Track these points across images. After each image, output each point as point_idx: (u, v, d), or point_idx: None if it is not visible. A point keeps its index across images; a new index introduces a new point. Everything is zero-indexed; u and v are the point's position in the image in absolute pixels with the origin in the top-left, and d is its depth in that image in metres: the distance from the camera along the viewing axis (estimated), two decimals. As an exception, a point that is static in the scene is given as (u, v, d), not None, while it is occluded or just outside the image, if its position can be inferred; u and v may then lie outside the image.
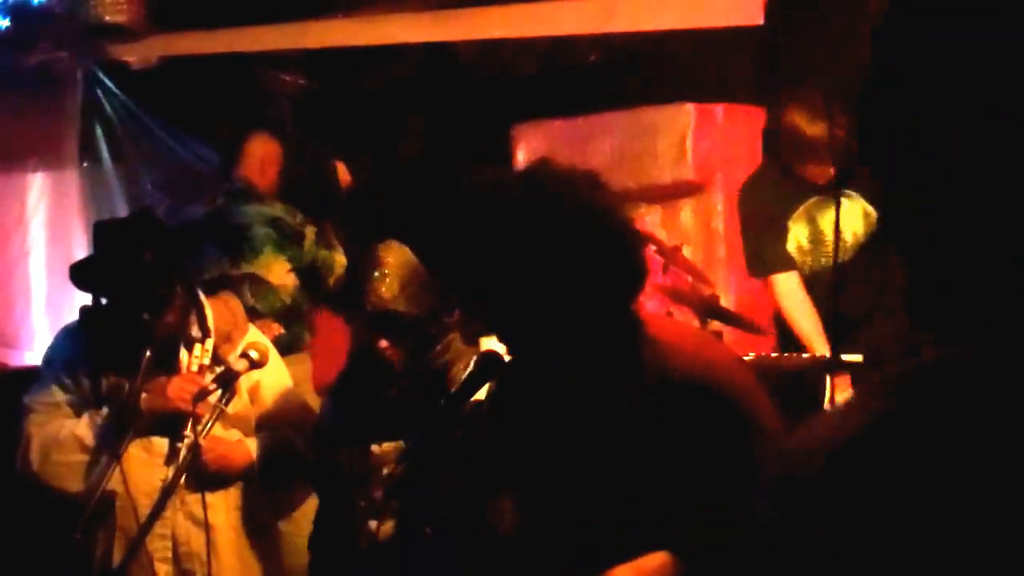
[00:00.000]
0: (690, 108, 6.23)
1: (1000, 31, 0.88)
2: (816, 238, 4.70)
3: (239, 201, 5.35)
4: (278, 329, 5.10)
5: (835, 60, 4.95)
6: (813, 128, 4.41)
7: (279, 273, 5.26)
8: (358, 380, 3.55)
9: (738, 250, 5.91)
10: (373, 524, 3.31)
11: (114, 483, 3.38)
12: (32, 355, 6.37)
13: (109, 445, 3.43)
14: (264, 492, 3.67)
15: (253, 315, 4.47)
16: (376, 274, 3.39)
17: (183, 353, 3.59)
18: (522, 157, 6.27)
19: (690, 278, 5.19)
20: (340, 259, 5.38)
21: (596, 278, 2.28)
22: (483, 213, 2.33)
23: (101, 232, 3.62)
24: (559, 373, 2.41)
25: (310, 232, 5.38)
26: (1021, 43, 0.88)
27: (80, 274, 3.60)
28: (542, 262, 2.25)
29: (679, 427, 2.23)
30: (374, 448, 3.44)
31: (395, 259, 3.42)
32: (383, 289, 3.37)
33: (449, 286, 3.21)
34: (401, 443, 3.41)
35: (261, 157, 5.48)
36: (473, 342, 3.56)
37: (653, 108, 6.32)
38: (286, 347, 4.76)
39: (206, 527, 3.46)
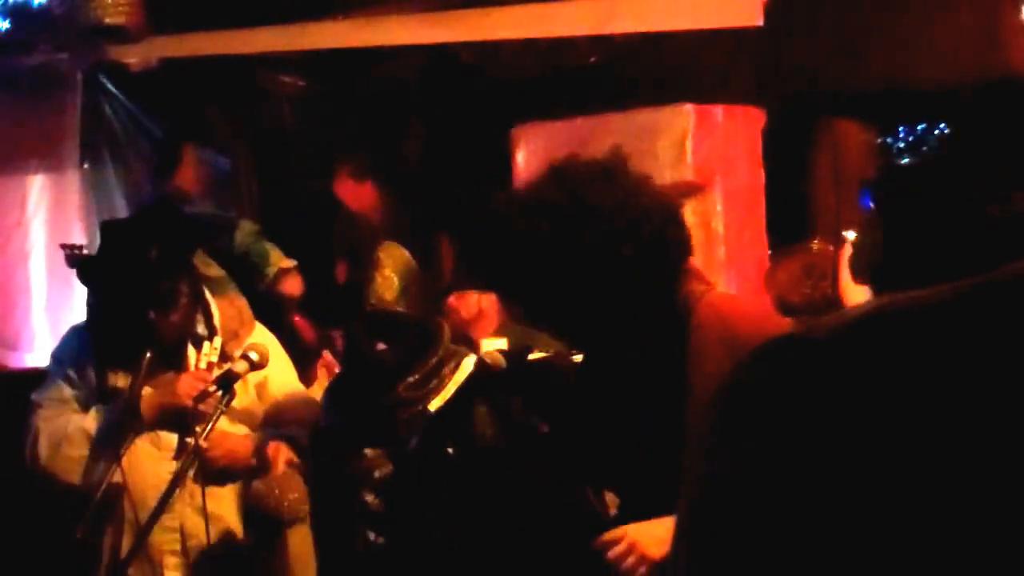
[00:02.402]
0: (690, 109, 6.23)
1: None
2: None
3: (163, 207, 5.44)
4: None
5: (835, 60, 4.97)
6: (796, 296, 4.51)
7: (212, 268, 5.32)
8: (354, 383, 3.52)
9: (738, 250, 5.93)
10: (371, 533, 3.32)
11: (120, 477, 3.39)
12: (32, 356, 6.37)
13: (114, 441, 3.45)
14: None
15: None
16: (377, 276, 3.39)
17: (190, 351, 3.61)
18: (522, 158, 6.28)
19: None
20: (276, 254, 5.39)
21: (639, 260, 2.35)
22: (518, 221, 2.40)
23: (107, 231, 3.63)
24: (630, 359, 2.45)
25: (246, 224, 5.43)
26: None
27: (87, 272, 3.62)
28: (582, 256, 2.32)
29: None
30: (367, 451, 3.43)
31: (394, 261, 3.42)
32: (384, 290, 3.37)
33: (510, 297, 3.22)
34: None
35: (194, 168, 5.57)
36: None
37: (653, 109, 6.33)
38: None
39: (212, 521, 3.47)
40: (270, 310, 5.25)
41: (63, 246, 4.96)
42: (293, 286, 5.30)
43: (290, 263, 5.42)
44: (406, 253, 3.21)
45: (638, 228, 2.36)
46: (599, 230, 2.34)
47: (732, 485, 0.83)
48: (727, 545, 0.83)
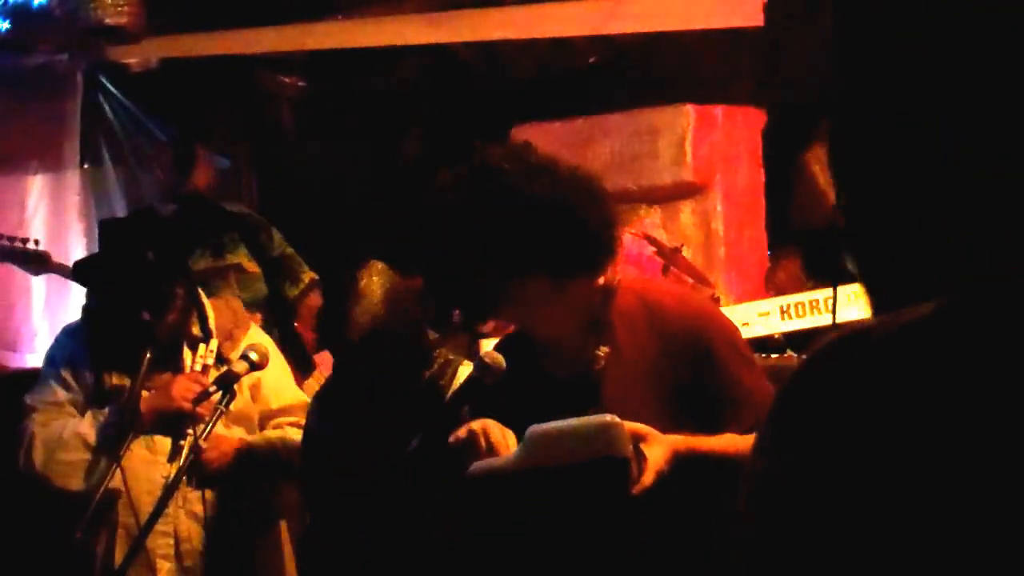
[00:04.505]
0: (690, 109, 6.23)
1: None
2: None
3: (198, 203, 5.44)
4: (259, 319, 5.15)
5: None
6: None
7: (253, 264, 5.34)
8: (344, 396, 3.48)
9: (738, 250, 5.92)
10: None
11: (116, 481, 3.38)
12: (32, 357, 6.37)
13: (111, 444, 3.44)
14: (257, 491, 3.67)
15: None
16: (356, 302, 3.33)
17: (186, 353, 3.60)
18: (522, 158, 6.28)
19: (690, 279, 5.20)
20: (307, 271, 5.43)
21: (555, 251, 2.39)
22: (444, 211, 2.47)
23: (104, 231, 3.63)
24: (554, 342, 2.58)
25: (275, 231, 5.50)
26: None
27: (83, 272, 3.61)
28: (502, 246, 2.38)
29: (690, 363, 2.52)
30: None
31: (375, 282, 3.36)
32: (363, 315, 3.30)
33: (442, 292, 3.24)
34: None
35: (206, 167, 5.59)
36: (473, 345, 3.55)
37: (653, 109, 6.33)
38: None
39: (207, 525, 3.47)
40: (278, 315, 5.28)
41: (2, 236, 5.00)
42: (317, 299, 5.33)
43: (315, 276, 5.46)
44: (385, 270, 3.15)
45: (567, 210, 2.44)
46: (528, 214, 2.41)
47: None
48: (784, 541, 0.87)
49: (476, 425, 2.50)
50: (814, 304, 4.73)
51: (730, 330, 2.66)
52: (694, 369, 2.51)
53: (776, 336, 4.72)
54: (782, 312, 4.80)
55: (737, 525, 0.94)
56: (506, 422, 2.52)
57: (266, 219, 5.57)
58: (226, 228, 5.36)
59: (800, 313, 4.76)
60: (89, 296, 3.66)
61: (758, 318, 4.80)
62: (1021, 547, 0.80)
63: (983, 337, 0.86)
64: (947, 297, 0.88)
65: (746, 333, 4.69)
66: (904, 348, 0.87)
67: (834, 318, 4.26)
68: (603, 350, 2.58)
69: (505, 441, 2.47)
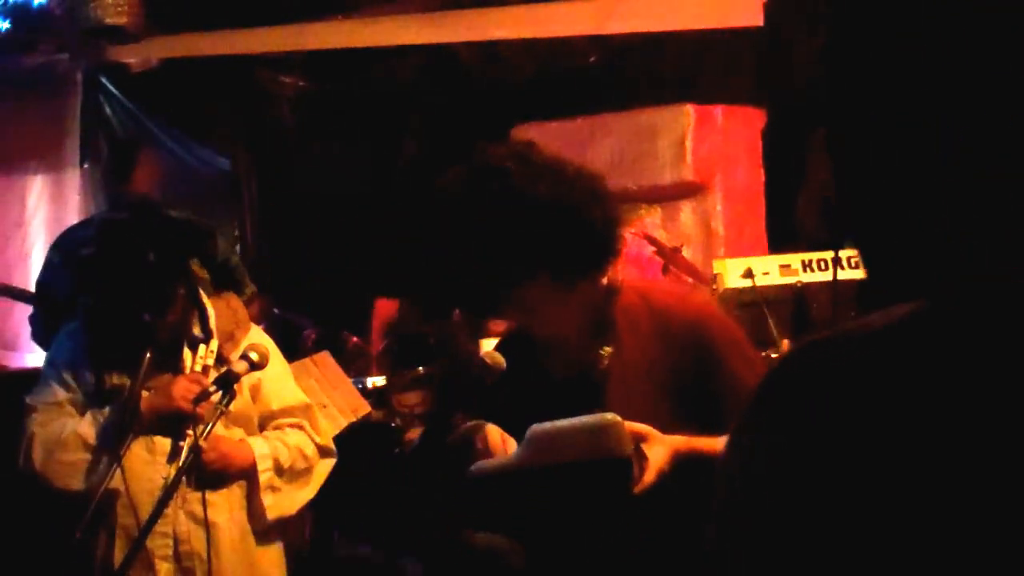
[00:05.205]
0: (690, 109, 6.24)
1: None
2: None
3: (146, 209, 5.42)
4: None
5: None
6: None
7: (204, 271, 5.32)
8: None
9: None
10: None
11: (116, 482, 3.38)
12: (32, 357, 6.37)
13: (111, 445, 3.43)
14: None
15: None
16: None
17: (186, 353, 3.60)
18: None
19: (690, 279, 5.20)
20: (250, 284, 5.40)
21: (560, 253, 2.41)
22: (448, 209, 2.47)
23: (104, 231, 3.62)
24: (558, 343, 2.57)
25: (221, 236, 5.44)
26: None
27: (83, 272, 3.61)
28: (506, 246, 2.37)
29: (692, 362, 2.51)
30: None
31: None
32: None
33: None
34: None
35: (150, 170, 5.55)
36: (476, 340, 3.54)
37: (653, 109, 6.34)
38: None
39: (207, 525, 3.46)
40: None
41: None
42: (255, 311, 5.31)
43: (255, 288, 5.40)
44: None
45: (574, 211, 2.44)
46: (533, 213, 2.42)
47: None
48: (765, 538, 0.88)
49: (476, 429, 2.50)
50: None
51: (732, 330, 2.65)
52: (696, 369, 2.51)
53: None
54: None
55: (712, 525, 0.94)
56: (508, 422, 2.52)
57: (211, 225, 5.49)
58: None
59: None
60: (88, 296, 3.66)
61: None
62: (1005, 548, 0.81)
63: (980, 336, 0.86)
64: (937, 296, 0.88)
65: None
66: (887, 347, 0.87)
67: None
68: (606, 350, 2.57)
69: (505, 447, 2.47)
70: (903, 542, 0.82)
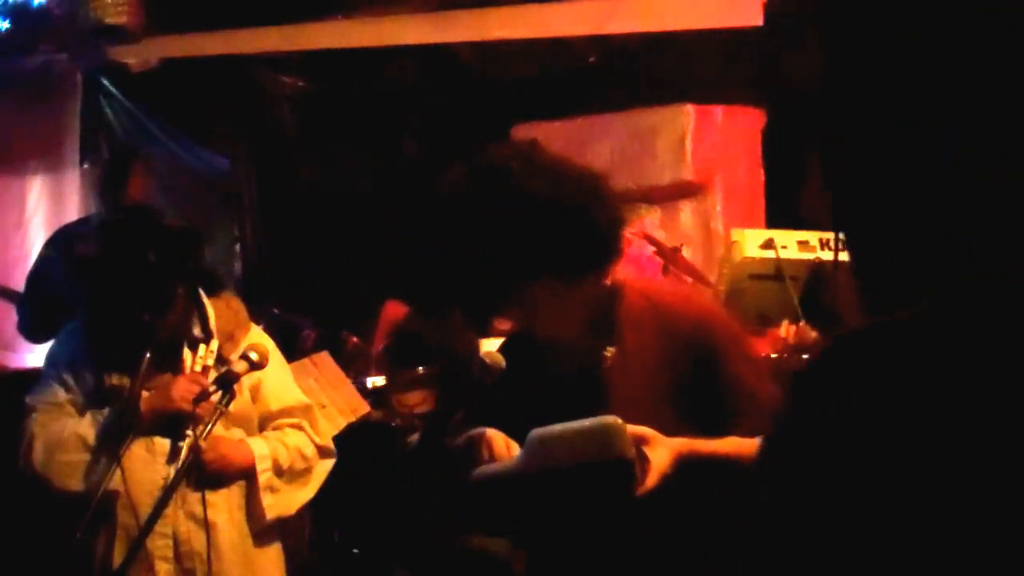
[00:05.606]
0: (690, 109, 6.24)
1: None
2: None
3: (140, 215, 5.46)
4: None
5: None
6: None
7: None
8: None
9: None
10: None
11: (115, 482, 3.38)
12: (32, 357, 6.37)
13: (111, 445, 3.43)
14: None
15: None
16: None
17: (186, 353, 3.60)
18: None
19: (690, 279, 5.20)
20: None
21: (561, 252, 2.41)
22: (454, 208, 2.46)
23: (104, 231, 3.62)
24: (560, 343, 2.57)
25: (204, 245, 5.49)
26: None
27: (84, 272, 3.61)
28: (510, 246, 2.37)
29: (694, 363, 2.49)
30: None
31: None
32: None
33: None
34: None
35: (143, 181, 5.57)
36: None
37: (653, 109, 6.34)
38: None
39: (206, 526, 3.46)
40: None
41: None
42: None
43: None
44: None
45: (577, 212, 2.43)
46: (537, 214, 2.41)
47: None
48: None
49: (479, 434, 2.49)
50: None
51: (735, 332, 2.65)
52: (698, 370, 2.50)
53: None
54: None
55: (755, 541, 0.94)
56: (509, 423, 2.51)
57: (197, 232, 5.51)
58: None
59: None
60: (89, 296, 3.66)
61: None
62: (1020, 545, 0.81)
63: (985, 336, 0.86)
64: (945, 297, 0.88)
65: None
66: (906, 348, 0.88)
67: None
68: (610, 350, 2.57)
69: (508, 453, 2.47)
70: (955, 528, 0.82)
